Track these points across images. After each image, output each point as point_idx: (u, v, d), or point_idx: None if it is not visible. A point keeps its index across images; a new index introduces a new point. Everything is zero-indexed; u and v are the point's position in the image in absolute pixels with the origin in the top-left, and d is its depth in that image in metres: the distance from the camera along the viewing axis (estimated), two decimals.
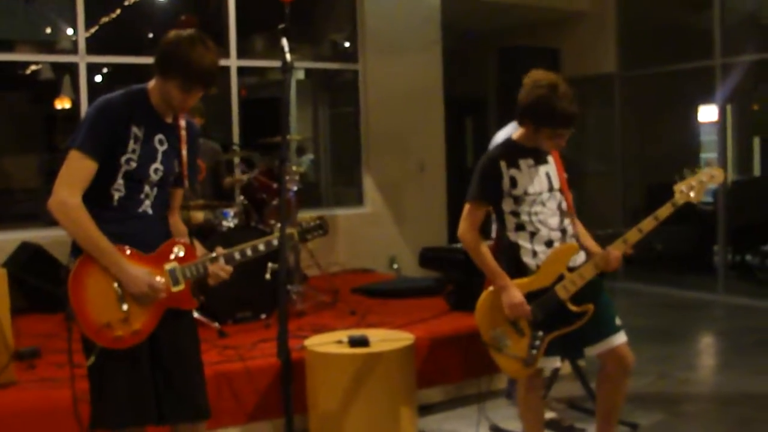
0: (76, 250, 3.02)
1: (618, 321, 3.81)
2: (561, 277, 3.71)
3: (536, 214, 3.76)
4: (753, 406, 5.39)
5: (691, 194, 3.69)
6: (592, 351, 3.80)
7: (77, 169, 2.99)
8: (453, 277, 6.35)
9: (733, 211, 9.26)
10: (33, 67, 9.41)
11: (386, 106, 9.07)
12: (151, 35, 9.06)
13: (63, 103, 9.53)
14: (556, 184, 3.82)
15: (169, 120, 3.21)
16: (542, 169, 3.80)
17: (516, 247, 3.79)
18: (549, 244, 3.77)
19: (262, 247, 3.31)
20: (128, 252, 3.04)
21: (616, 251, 3.69)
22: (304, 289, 6.69)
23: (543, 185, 3.78)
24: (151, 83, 3.17)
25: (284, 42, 3.46)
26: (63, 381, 4.32)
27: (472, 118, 12.96)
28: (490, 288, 3.82)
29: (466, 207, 3.84)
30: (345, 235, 8.67)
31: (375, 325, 5.64)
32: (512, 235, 3.80)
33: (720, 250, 9.30)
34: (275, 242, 3.33)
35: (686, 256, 10.39)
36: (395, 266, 8.96)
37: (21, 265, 6.64)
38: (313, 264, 7.25)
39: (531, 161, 3.78)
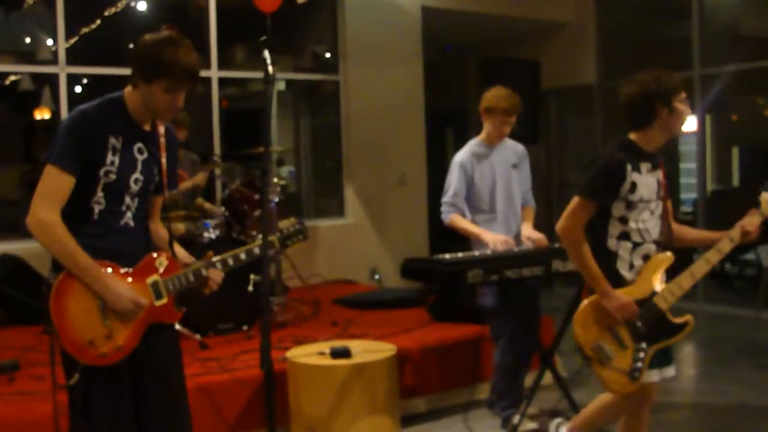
0: (57, 266, 2.96)
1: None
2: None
3: (644, 221, 3.65)
4: (733, 415, 5.42)
5: None
6: (649, 376, 3.67)
7: (54, 185, 2.92)
8: (435, 288, 6.36)
9: (712, 220, 9.31)
10: (12, 78, 9.38)
11: (367, 118, 9.09)
12: (131, 46, 9.04)
13: (43, 114, 9.50)
14: (661, 192, 3.71)
15: (147, 128, 3.15)
16: (655, 175, 3.69)
17: (614, 257, 3.66)
18: (646, 258, 3.67)
19: (244, 256, 3.29)
20: (108, 269, 2.99)
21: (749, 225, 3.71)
22: (285, 300, 6.67)
23: (654, 192, 3.68)
24: (127, 90, 3.09)
25: (266, 54, 3.47)
26: (42, 394, 4.30)
27: (453, 129, 12.99)
28: (590, 298, 3.66)
29: (577, 202, 3.66)
30: (326, 246, 8.66)
31: (357, 336, 5.63)
32: (613, 243, 3.66)
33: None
34: (257, 250, 3.33)
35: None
36: (377, 277, 8.95)
37: (0, 278, 6.59)
38: (294, 275, 7.24)
39: (649, 166, 3.67)
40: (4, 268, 6.75)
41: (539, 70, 9.80)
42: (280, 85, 10.52)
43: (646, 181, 3.65)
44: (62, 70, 7.51)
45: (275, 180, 6.69)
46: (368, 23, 9.08)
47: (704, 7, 9.26)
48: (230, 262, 3.26)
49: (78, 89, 8.56)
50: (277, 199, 6.56)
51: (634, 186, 3.61)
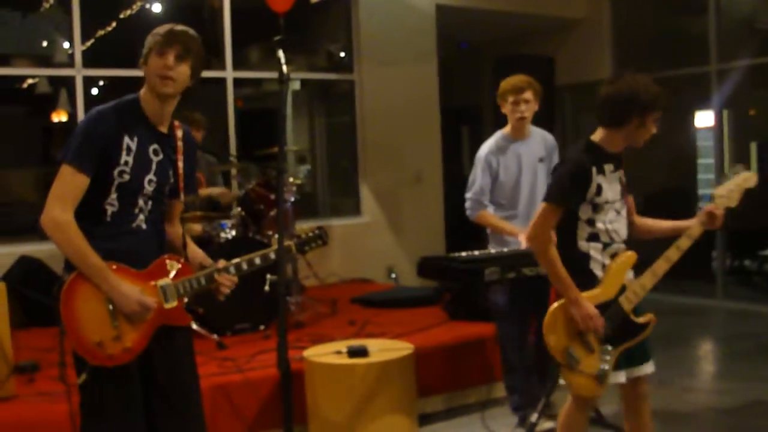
0: (70, 266, 2.97)
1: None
2: (623, 289, 3.60)
3: (611, 222, 3.62)
4: (753, 413, 5.38)
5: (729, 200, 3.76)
6: (634, 373, 3.67)
7: (69, 185, 2.93)
8: (451, 286, 6.35)
9: (732, 216, 9.25)
10: (30, 81, 9.42)
11: (382, 116, 9.08)
12: None
13: (60, 117, 9.53)
14: (623, 191, 3.70)
15: (163, 130, 3.16)
16: (618, 175, 3.67)
17: (587, 258, 3.63)
18: (614, 257, 3.65)
19: (258, 261, 3.30)
20: (114, 268, 2.98)
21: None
22: (302, 299, 6.68)
23: (618, 192, 3.66)
24: (143, 92, 3.11)
25: (280, 53, 3.47)
26: (61, 395, 4.32)
27: (469, 127, 12.98)
28: (558, 302, 3.62)
29: (544, 208, 3.61)
30: (342, 245, 8.66)
31: (374, 335, 5.64)
32: (583, 245, 3.63)
33: (718, 256, 9.30)
34: (272, 255, 3.33)
35: (684, 261, 10.38)
36: (393, 276, 8.95)
37: (20, 279, 6.63)
38: (311, 274, 7.25)
39: (612, 167, 3.64)
40: (22, 270, 6.80)
41: (554, 67, 9.77)
42: (295, 85, 10.53)
43: (611, 183, 3.63)
44: (79, 73, 7.55)
45: (291, 179, 6.70)
46: (383, 22, 9.08)
47: (721, 1, 9.20)
48: (244, 267, 3.26)
49: (95, 91, 8.60)
50: (293, 199, 6.57)
51: (600, 188, 3.59)
